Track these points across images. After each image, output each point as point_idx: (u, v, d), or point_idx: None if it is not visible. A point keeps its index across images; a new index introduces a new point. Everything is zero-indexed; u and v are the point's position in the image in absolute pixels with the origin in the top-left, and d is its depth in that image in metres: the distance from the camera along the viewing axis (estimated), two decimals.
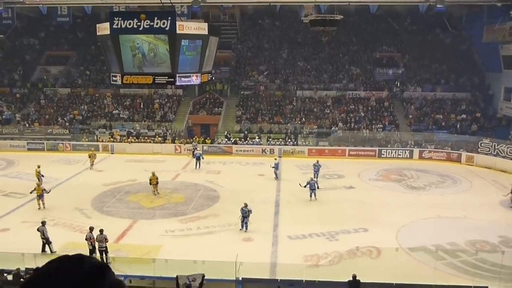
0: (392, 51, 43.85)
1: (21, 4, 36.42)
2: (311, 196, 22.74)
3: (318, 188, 23.35)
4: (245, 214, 18.67)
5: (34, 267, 13.23)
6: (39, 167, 25.07)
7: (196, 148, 32.81)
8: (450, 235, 18.40)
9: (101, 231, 15.63)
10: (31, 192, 21.18)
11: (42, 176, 24.63)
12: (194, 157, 31.08)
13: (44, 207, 20.86)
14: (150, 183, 23.66)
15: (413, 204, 22.60)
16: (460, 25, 42.86)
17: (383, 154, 33.38)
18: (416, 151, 33.26)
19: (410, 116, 37.39)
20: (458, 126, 35.63)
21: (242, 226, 18.79)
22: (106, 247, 15.60)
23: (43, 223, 16.62)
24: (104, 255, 15.57)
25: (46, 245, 16.25)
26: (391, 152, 33.43)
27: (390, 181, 27.23)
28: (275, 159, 29.08)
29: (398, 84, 40.67)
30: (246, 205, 18.85)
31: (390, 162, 31.94)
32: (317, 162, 26.71)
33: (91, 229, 15.97)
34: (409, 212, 21.13)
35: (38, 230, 16.27)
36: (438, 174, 28.62)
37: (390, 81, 41.13)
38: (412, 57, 42.78)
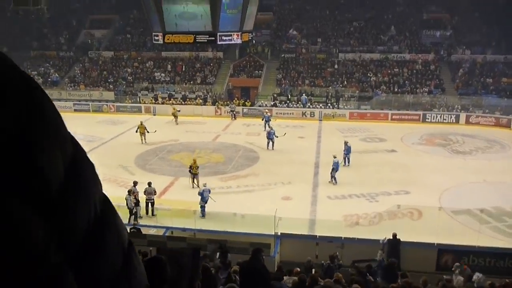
0: (441, 12, 41.86)
1: None
2: (331, 178, 19.75)
3: (348, 163, 21.86)
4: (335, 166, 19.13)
5: None
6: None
7: (234, 110, 33.36)
8: (496, 199, 17.82)
9: (149, 183, 16.34)
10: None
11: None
12: (234, 119, 31.53)
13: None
14: (137, 131, 25.70)
15: (458, 168, 21.93)
16: None
17: (428, 119, 32.38)
18: (462, 116, 32.06)
19: (458, 80, 35.91)
20: (508, 90, 33.95)
21: (331, 179, 19.49)
22: (153, 199, 16.26)
23: (135, 183, 16.58)
24: (150, 206, 16.14)
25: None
26: (436, 117, 32.38)
27: (434, 146, 26.48)
28: (266, 112, 30.35)
29: (446, 46, 38.96)
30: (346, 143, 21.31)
31: (435, 126, 30.98)
32: (346, 143, 22.32)
33: (135, 183, 16.44)
34: (454, 176, 20.55)
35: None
36: (486, 139, 27.55)
37: (437, 44, 39.45)
38: (461, 19, 40.71)
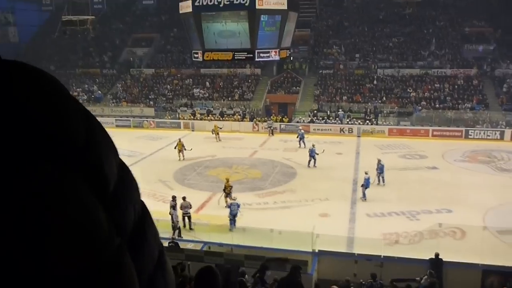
0: (483, 26, 40.88)
1: None
2: (363, 195, 19.60)
3: (383, 183, 21.19)
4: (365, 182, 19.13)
5: None
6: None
7: (271, 126, 33.43)
8: None
9: (184, 198, 16.63)
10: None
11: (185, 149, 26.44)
12: (271, 135, 31.79)
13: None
14: (175, 148, 26.18)
15: (503, 186, 21.12)
16: None
17: (470, 135, 31.45)
18: (508, 132, 30.95)
19: (502, 95, 34.80)
20: None
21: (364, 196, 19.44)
22: (189, 212, 16.49)
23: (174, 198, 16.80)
24: (187, 220, 16.34)
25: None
26: (479, 133, 31.41)
27: (478, 163, 25.65)
28: (300, 129, 30.39)
29: (489, 61, 37.92)
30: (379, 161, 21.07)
31: (478, 143, 30.03)
32: (379, 161, 21.60)
33: (174, 198, 16.74)
34: (499, 195, 19.80)
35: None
36: None
37: (480, 58, 38.45)
38: (505, 32, 39.58)
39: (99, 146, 0.67)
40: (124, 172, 0.74)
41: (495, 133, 31.21)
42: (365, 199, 19.41)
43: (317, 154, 24.32)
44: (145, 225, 0.76)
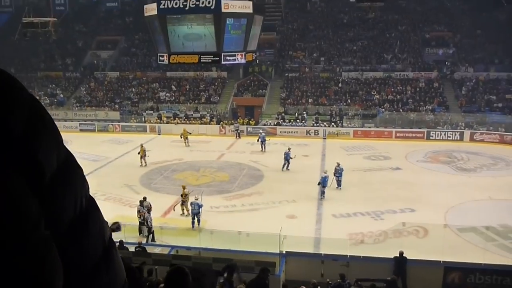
0: (443, 31, 42.29)
1: None
2: (321, 194, 20.11)
3: (339, 187, 21.12)
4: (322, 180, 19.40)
5: None
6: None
7: (238, 129, 33.54)
8: (502, 217, 17.73)
9: (145, 198, 16.71)
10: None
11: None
12: (238, 138, 31.84)
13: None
14: (139, 153, 25.51)
15: (463, 185, 21.88)
16: None
17: (432, 136, 32.41)
18: (467, 133, 32.09)
19: (461, 97, 36.05)
20: None
21: (322, 194, 19.94)
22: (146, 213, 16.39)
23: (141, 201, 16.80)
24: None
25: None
26: (440, 134, 32.41)
27: (439, 163, 26.46)
28: (261, 132, 29.96)
29: (449, 64, 39.22)
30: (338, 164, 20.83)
31: (439, 144, 30.98)
32: (338, 164, 21.55)
33: (141, 202, 16.55)
34: (459, 194, 20.48)
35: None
36: (490, 157, 27.50)
37: (440, 62, 39.72)
38: (464, 36, 41.09)
39: (38, 136, 0.68)
40: (67, 164, 0.76)
41: (455, 134, 32.27)
42: (323, 198, 19.81)
43: (292, 158, 24.19)
44: (89, 220, 0.78)
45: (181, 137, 30.59)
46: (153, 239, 15.62)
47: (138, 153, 25.78)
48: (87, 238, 0.77)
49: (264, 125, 34.99)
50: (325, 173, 20.39)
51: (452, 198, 19.89)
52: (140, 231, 15.99)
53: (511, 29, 39.49)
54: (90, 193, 0.86)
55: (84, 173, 0.85)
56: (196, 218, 16.74)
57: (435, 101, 35.83)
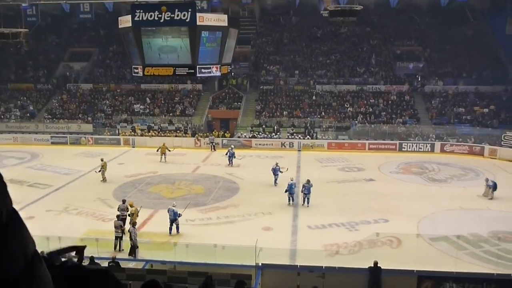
0: (413, 45, 43.40)
1: (45, 0, 37.11)
2: (289, 200, 20.69)
3: (307, 204, 20.71)
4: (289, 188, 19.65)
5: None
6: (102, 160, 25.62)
7: (213, 142, 33.49)
8: (472, 226, 18.15)
9: (124, 201, 17.11)
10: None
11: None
12: (213, 150, 31.89)
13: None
14: (99, 171, 24.90)
15: (434, 196, 22.34)
16: (483, 17, 42.13)
17: (404, 148, 33.06)
18: (437, 145, 32.86)
19: (431, 110, 36.95)
20: (480, 119, 35.07)
21: (289, 200, 20.70)
22: (126, 216, 16.71)
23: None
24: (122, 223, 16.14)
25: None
26: (412, 146, 33.08)
27: (411, 174, 26.98)
28: (231, 147, 29.54)
29: (419, 78, 40.22)
30: (308, 181, 20.55)
31: (411, 155, 31.61)
32: (308, 181, 20.91)
33: (118, 217, 16.39)
34: (431, 204, 20.92)
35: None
36: (460, 167, 28.22)
37: (411, 75, 40.71)
38: (433, 51, 42.25)
39: None
40: None
41: (426, 146, 32.99)
42: (292, 204, 20.33)
43: (281, 172, 23.82)
44: (8, 233, 0.78)
45: (158, 151, 29.40)
46: (135, 255, 15.18)
47: (99, 171, 24.90)
48: (7, 253, 0.75)
49: (239, 137, 35.05)
50: (292, 179, 21.23)
51: (424, 208, 20.29)
52: (116, 247, 15.74)
53: (478, 44, 40.89)
54: (15, 207, 0.84)
55: (8, 189, 0.82)
56: (174, 225, 17.08)
57: (406, 113, 36.61)
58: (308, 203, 20.70)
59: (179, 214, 17.05)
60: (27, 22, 40.95)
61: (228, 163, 28.52)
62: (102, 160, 25.45)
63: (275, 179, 23.89)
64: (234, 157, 28.44)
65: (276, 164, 24.47)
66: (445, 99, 37.90)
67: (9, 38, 30.26)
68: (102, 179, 24.69)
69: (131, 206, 17.30)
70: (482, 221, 18.73)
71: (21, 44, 36.16)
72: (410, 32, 44.36)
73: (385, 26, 44.78)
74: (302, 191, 20.86)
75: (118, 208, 17.41)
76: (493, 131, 33.13)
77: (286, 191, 20.66)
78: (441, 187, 24.16)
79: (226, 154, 28.72)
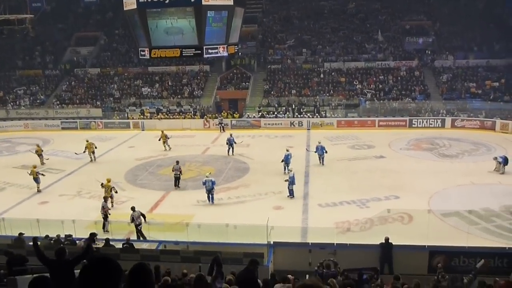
0: (422, 19, 42.64)
1: None
2: (284, 169, 22.18)
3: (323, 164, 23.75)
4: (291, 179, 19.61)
5: (73, 233, 13.79)
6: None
7: (222, 123, 33.43)
8: (484, 201, 18.10)
9: (133, 208, 15.74)
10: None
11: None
12: (222, 131, 31.89)
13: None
14: (84, 151, 25.53)
15: (445, 171, 22.23)
16: None
17: (414, 124, 32.80)
18: (448, 120, 32.54)
19: (442, 85, 36.49)
20: (491, 94, 34.59)
21: (284, 169, 21.86)
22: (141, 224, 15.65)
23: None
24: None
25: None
26: (422, 122, 32.82)
27: (422, 150, 26.81)
28: (230, 134, 27.87)
29: (429, 53, 39.63)
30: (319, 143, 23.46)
31: (422, 131, 31.37)
32: (319, 143, 24.24)
33: (106, 199, 17.10)
34: (442, 180, 20.83)
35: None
36: (472, 142, 27.98)
37: (421, 50, 40.10)
38: (443, 25, 41.51)
39: None
40: None
41: (437, 122, 32.70)
42: (293, 197, 19.17)
43: (235, 143, 26.44)
44: None
45: (160, 140, 28.23)
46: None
47: (84, 151, 25.71)
48: None
49: (248, 117, 34.99)
50: (287, 150, 22.84)
51: (435, 184, 20.22)
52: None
53: (488, 17, 40.07)
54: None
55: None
56: (210, 194, 18.48)
57: (416, 89, 36.20)
58: (323, 163, 23.55)
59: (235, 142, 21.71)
60: (32, 8, 40.92)
61: (227, 153, 26.70)
62: (87, 141, 26.08)
63: (228, 149, 26.36)
64: (235, 142, 26.77)
65: (231, 135, 26.90)
66: (455, 73, 37.38)
67: (15, 25, 30.27)
68: (90, 159, 25.64)
69: (108, 181, 18.55)
70: (494, 196, 18.64)
71: (27, 30, 36.10)
72: (419, 6, 43.55)
73: (394, 1, 44.01)
74: (315, 152, 23.69)
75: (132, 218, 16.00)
76: (505, 105, 32.70)
77: (282, 161, 22.24)
78: (452, 163, 24.00)
79: (226, 143, 27.01)
